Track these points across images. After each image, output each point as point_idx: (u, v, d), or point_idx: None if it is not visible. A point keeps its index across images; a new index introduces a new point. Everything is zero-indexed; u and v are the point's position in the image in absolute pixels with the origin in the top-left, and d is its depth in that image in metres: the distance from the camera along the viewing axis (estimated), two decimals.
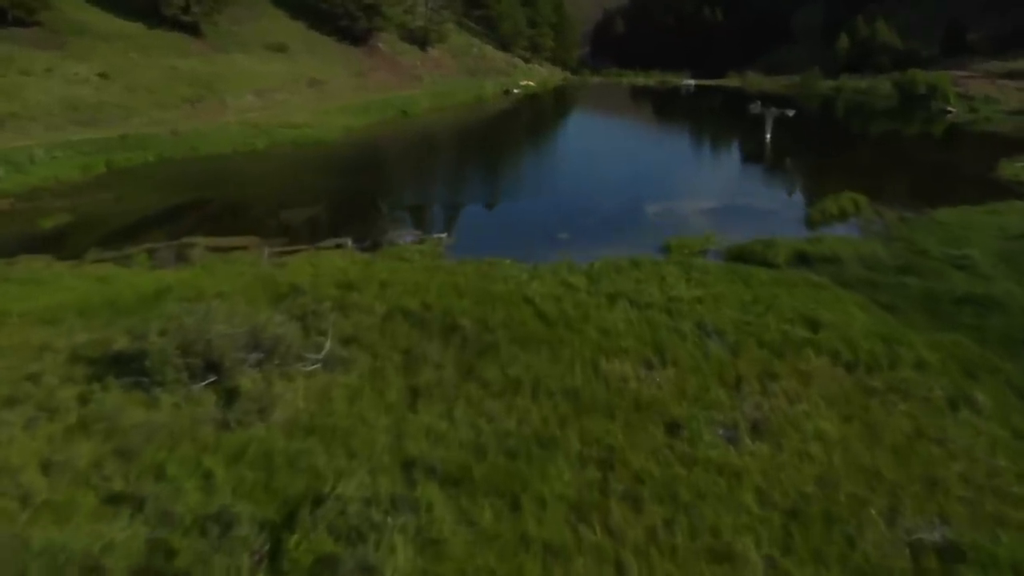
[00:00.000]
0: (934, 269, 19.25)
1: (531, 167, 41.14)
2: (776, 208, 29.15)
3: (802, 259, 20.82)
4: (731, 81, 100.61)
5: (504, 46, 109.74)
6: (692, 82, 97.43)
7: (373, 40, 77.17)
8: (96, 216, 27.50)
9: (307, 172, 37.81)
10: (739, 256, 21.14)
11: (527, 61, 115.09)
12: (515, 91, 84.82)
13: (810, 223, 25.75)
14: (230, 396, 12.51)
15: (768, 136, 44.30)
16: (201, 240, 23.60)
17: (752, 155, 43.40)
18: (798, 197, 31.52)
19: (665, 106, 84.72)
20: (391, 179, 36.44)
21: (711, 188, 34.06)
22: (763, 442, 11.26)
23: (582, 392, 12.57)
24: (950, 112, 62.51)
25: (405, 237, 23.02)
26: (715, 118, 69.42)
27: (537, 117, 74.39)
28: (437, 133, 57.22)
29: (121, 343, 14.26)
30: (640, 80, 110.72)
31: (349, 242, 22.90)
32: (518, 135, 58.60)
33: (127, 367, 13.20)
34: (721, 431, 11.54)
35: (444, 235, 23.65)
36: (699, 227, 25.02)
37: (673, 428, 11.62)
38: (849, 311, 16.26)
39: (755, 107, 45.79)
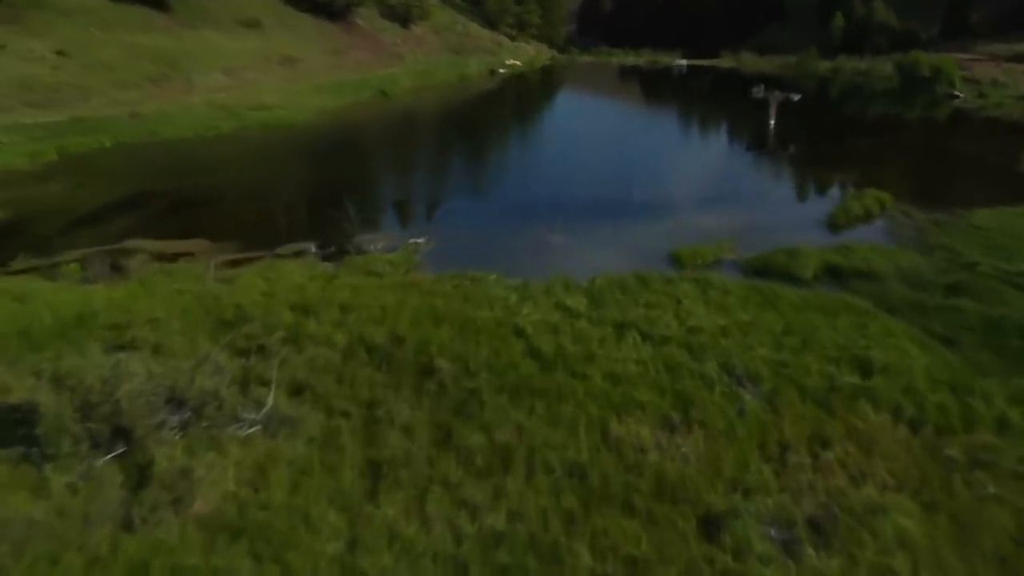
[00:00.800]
0: (989, 289, 16.68)
1: (518, 155, 38.34)
2: (788, 204, 26.65)
3: (833, 273, 18.27)
4: (724, 61, 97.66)
5: (490, 23, 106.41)
6: (684, 62, 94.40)
7: (351, 16, 73.82)
8: (36, 211, 24.64)
9: (273, 159, 34.92)
10: (761, 269, 18.57)
11: (513, 39, 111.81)
12: (500, 71, 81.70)
13: (833, 225, 23.19)
14: (141, 474, 9.84)
15: (772, 122, 41.68)
16: (144, 244, 20.78)
17: (755, 142, 40.79)
18: (810, 190, 28.93)
19: (657, 87, 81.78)
20: (365, 168, 33.55)
21: (714, 179, 31.46)
22: (830, 550, 8.68)
23: (590, 470, 9.95)
24: (957, 97, 60.04)
25: (376, 243, 20.24)
26: (711, 101, 66.66)
27: (524, 98, 71.39)
28: (418, 115, 54.26)
29: (17, 394, 11.54)
30: (630, 60, 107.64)
31: (312, 248, 20.16)
32: (504, 118, 55.70)
33: (14, 432, 10.49)
34: (773, 532, 8.94)
35: (421, 240, 20.90)
36: (705, 226, 22.50)
37: (710, 526, 9.02)
38: (903, 347, 13.66)
39: (758, 91, 43.11)
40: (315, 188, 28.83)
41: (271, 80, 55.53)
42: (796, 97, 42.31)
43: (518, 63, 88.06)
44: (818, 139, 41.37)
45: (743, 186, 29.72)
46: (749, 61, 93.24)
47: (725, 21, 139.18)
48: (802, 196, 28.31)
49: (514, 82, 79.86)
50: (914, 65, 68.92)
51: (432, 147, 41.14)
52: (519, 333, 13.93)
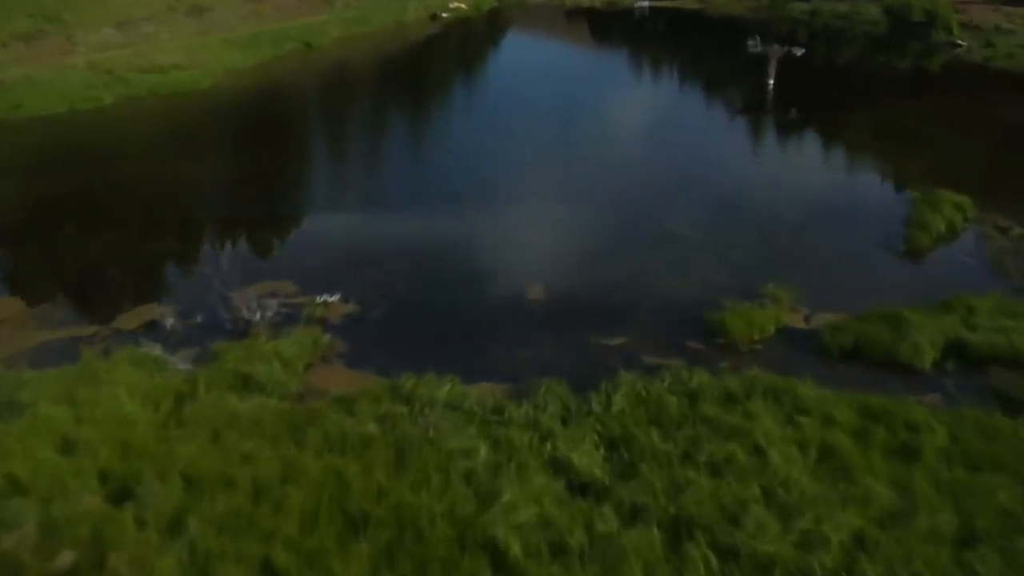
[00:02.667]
0: None
1: (468, 130, 31.27)
2: (828, 207, 20.55)
3: (961, 355, 12.20)
4: (689, 3, 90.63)
5: None
6: (646, 3, 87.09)
7: None
8: None
9: (156, 145, 27.64)
10: (851, 351, 12.51)
11: None
12: (443, 15, 73.76)
13: (912, 248, 17.13)
14: None
15: (771, 82, 35.40)
16: None
17: (750, 105, 34.52)
18: (848, 181, 22.94)
19: (620, 34, 74.58)
20: (269, 159, 25.91)
21: (718, 163, 25.12)
22: None
23: None
24: (960, 46, 54.20)
25: (265, 308, 13.56)
26: (686, 51, 59.99)
27: (471, 49, 63.93)
28: (347, 73, 46.77)
29: None
30: (585, 1, 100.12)
31: (167, 320, 13.45)
32: (449, 74, 48.51)
33: None
34: None
35: (333, 298, 14.30)
36: (727, 249, 16.50)
37: None
38: None
39: (753, 44, 36.64)
40: (197, 196, 22.05)
41: (174, 34, 47.43)
42: (799, 51, 36.04)
43: (462, 6, 79.93)
44: (823, 100, 35.22)
45: (758, 178, 23.43)
46: (717, 2, 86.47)
47: None
48: (841, 191, 22.14)
49: (458, 28, 72.16)
50: (905, 8, 62.85)
51: (363, 121, 34.04)
52: (498, 563, 7.58)
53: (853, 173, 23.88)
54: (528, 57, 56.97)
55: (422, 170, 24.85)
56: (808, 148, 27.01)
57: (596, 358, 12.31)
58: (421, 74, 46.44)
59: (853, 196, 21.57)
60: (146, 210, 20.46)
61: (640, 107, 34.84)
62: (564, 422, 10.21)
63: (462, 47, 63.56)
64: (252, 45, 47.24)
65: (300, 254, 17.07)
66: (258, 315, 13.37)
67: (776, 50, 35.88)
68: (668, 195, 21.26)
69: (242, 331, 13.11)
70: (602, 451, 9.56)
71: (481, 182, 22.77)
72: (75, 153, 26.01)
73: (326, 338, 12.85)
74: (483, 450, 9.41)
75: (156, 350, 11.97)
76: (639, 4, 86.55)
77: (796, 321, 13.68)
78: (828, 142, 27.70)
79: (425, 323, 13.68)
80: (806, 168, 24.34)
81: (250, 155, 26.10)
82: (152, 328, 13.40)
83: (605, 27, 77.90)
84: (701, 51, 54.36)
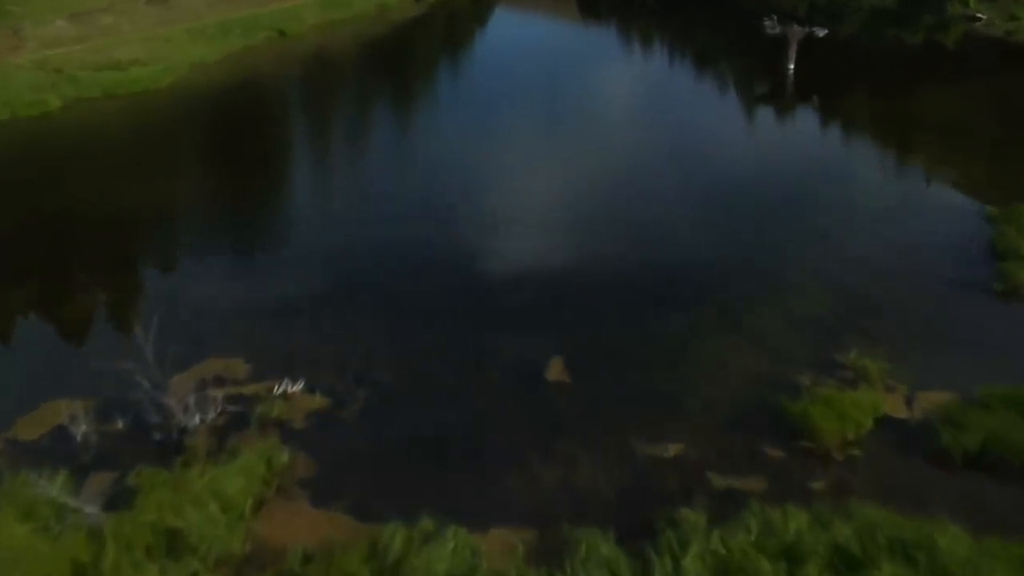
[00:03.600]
0: None
1: (466, 138, 27.72)
2: (881, 216, 17.55)
3: None
4: None
5: None
6: None
7: None
8: None
9: (98, 163, 24.14)
10: (979, 454, 9.48)
11: None
12: None
13: (1009, 285, 14.12)
14: None
15: (791, 67, 32.14)
16: None
17: (769, 91, 31.38)
18: (897, 188, 19.89)
19: (622, 16, 71.14)
20: (237, 175, 22.66)
21: (743, 166, 22.04)
22: None
23: None
24: (978, 19, 50.86)
25: (206, 410, 10.45)
26: (692, 32, 56.62)
27: (460, 34, 60.38)
28: (325, 64, 43.26)
29: None
30: None
31: (80, 430, 10.35)
32: (436, 61, 45.09)
33: None
34: None
35: (295, 387, 11.17)
36: (783, 294, 13.52)
37: None
38: None
39: (771, 25, 33.19)
40: (138, 233, 18.72)
41: (135, 26, 43.87)
42: (821, 32, 32.75)
43: None
44: (846, 85, 32.09)
45: (799, 192, 20.11)
46: None
47: None
48: (901, 207, 18.90)
49: (444, 8, 68.60)
50: None
51: (339, 122, 30.68)
52: None
53: (908, 182, 20.78)
54: (522, 45, 53.38)
55: (408, 190, 21.21)
56: (847, 149, 23.87)
57: (645, 479, 9.28)
58: (405, 63, 43.07)
59: (917, 214, 18.33)
60: (68, 257, 17.05)
61: (650, 103, 31.52)
62: None
63: (449, 30, 59.98)
64: (220, 35, 43.71)
65: (258, 312, 13.72)
66: (196, 418, 10.24)
67: (796, 31, 32.56)
68: (696, 220, 17.99)
69: (175, 443, 10.03)
70: None
71: (477, 205, 19.44)
72: (11, 170, 22.76)
73: (284, 456, 9.70)
74: None
75: (55, 488, 8.79)
76: None
77: (896, 407, 10.63)
78: (866, 140, 24.61)
79: (414, 423, 10.54)
80: (851, 177, 21.09)
81: (210, 172, 22.86)
82: (58, 438, 10.25)
83: (608, 8, 73.94)
84: (708, 31, 50.90)
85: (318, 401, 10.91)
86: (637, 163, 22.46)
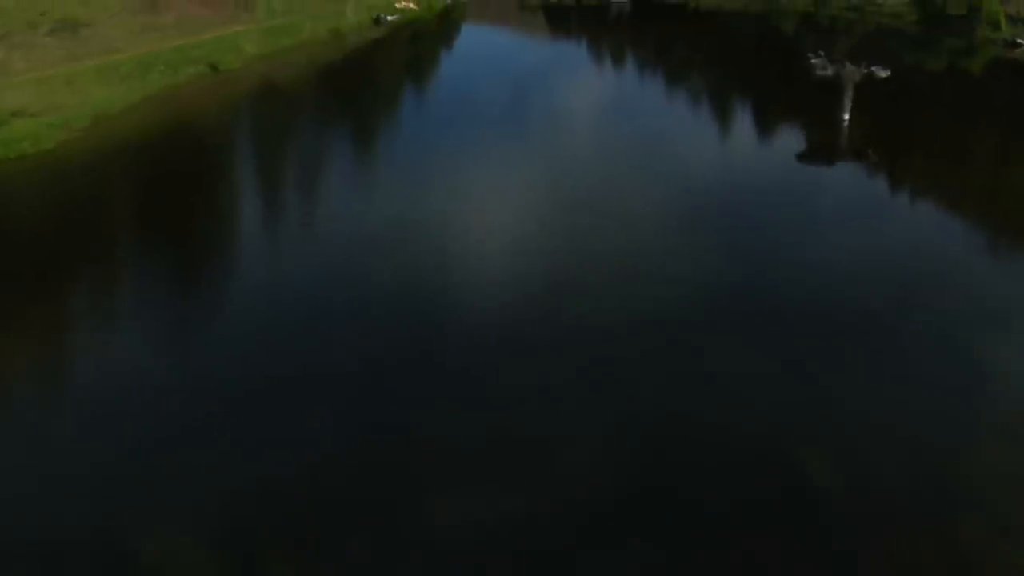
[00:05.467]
0: None
1: (431, 183, 21.67)
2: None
3: None
4: None
5: None
6: None
7: None
8: None
9: None
10: None
11: None
12: (388, 17, 63.43)
13: None
14: None
15: (846, 116, 25.99)
16: None
17: (816, 147, 25.23)
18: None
19: (607, 37, 64.46)
20: (128, 299, 15.92)
21: (803, 252, 15.99)
22: None
23: None
24: (1019, 45, 45.29)
25: None
26: (693, 58, 50.47)
27: (425, 56, 53.80)
28: (265, 107, 36.45)
29: None
30: None
31: None
32: (402, 93, 38.34)
33: None
34: None
35: None
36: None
37: None
38: None
39: (820, 64, 26.55)
40: None
41: (33, 62, 36.79)
42: (883, 72, 26.32)
43: (411, 5, 69.75)
44: (903, 134, 26.16)
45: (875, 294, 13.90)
46: None
47: None
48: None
49: (408, 35, 62.01)
50: None
51: (283, 186, 23.84)
52: None
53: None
54: (496, 68, 46.69)
55: (367, 249, 15.67)
56: (928, 232, 17.76)
57: None
58: (364, 95, 36.49)
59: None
60: None
61: (661, 164, 25.06)
62: None
63: (412, 52, 53.62)
64: (138, 73, 36.72)
65: None
66: None
67: (851, 72, 26.24)
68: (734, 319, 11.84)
69: None
70: None
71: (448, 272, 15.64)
72: None
73: None
74: None
75: None
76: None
77: None
78: (951, 220, 18.56)
79: None
80: (938, 272, 15.02)
81: (75, 293, 15.90)
82: None
83: (591, 31, 67.28)
84: (730, 62, 44.68)
85: None
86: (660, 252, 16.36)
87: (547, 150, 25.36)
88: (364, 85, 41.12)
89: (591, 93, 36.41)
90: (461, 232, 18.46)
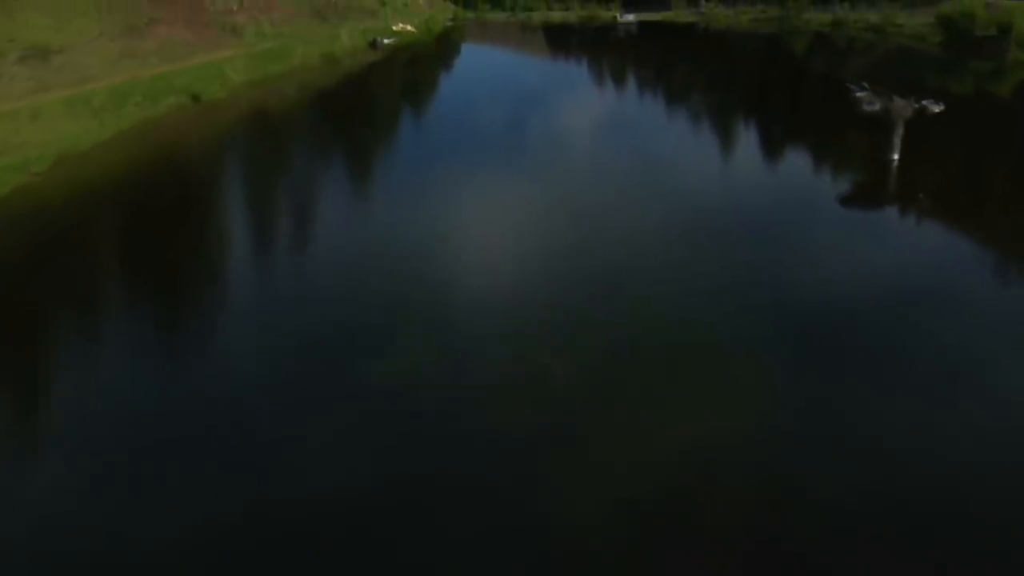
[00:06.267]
0: None
1: (431, 222, 18.61)
2: None
3: None
4: (677, 13, 78.69)
5: None
6: (632, 17, 74.82)
7: None
8: None
9: None
10: None
11: None
12: (384, 41, 60.93)
13: None
14: None
15: (896, 156, 23.21)
16: None
17: (866, 194, 22.37)
18: None
19: (611, 58, 61.89)
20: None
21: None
22: None
23: None
24: None
25: None
26: (712, 85, 47.77)
27: (423, 80, 51.11)
28: (242, 147, 33.59)
29: None
30: (556, 16, 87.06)
31: None
32: (400, 119, 35.60)
33: None
34: None
35: None
36: None
37: None
38: None
39: (867, 98, 23.72)
40: None
41: None
42: (937, 107, 23.61)
43: (409, 27, 67.36)
44: (952, 173, 23.48)
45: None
46: (718, 15, 74.49)
47: None
48: None
49: (404, 53, 59.42)
50: (967, 19, 51.64)
51: (270, 233, 20.79)
52: None
53: None
54: (500, 90, 43.90)
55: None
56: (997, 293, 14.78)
57: None
58: (359, 124, 33.77)
59: None
60: None
61: (704, 193, 22.20)
62: None
63: (410, 76, 51.06)
64: (112, 105, 33.97)
65: None
66: None
67: (901, 106, 23.41)
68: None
69: None
70: None
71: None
72: None
73: None
74: None
75: None
76: (624, 19, 74.47)
77: None
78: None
79: None
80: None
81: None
82: None
83: (600, 54, 64.62)
84: (754, 90, 41.98)
85: None
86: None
87: (568, 202, 22.46)
88: (359, 112, 38.42)
89: (602, 123, 33.67)
90: (466, 278, 15.73)
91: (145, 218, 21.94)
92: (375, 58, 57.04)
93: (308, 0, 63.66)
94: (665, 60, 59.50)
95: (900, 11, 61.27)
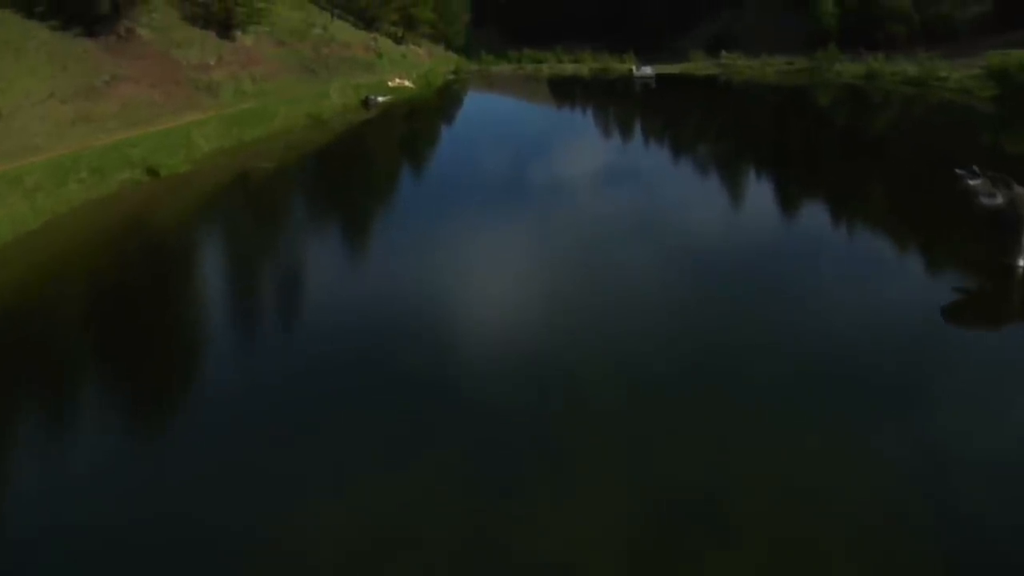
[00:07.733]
0: None
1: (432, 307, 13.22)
2: None
3: None
4: (697, 65, 74.12)
5: (366, 22, 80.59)
6: (650, 70, 70.26)
7: (128, 21, 46.90)
8: None
9: None
10: None
11: (398, 41, 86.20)
12: (380, 99, 56.07)
13: None
14: None
15: (1022, 262, 18.13)
16: None
17: (978, 307, 17.32)
18: None
19: (627, 110, 57.01)
20: None
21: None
22: None
23: None
24: None
25: None
26: (760, 155, 42.91)
27: (422, 137, 46.24)
28: (199, 240, 28.51)
29: None
30: (567, 67, 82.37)
31: None
32: (396, 185, 30.69)
33: None
34: None
35: None
36: None
37: None
38: None
39: (983, 187, 18.84)
40: None
41: None
42: None
43: (407, 83, 62.61)
44: None
45: None
46: (740, 66, 69.78)
47: (662, 6, 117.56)
48: None
49: (401, 108, 54.65)
50: (1019, 69, 47.19)
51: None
52: None
53: None
54: (504, 163, 38.89)
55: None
56: None
57: None
58: (349, 198, 28.80)
59: None
60: None
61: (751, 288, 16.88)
62: None
63: (408, 134, 46.36)
64: (50, 183, 28.91)
65: None
66: None
67: None
68: None
69: None
70: None
71: None
72: None
73: None
74: None
75: None
76: (640, 71, 69.85)
77: None
78: None
79: None
80: None
81: None
82: None
83: (621, 110, 59.55)
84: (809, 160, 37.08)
85: None
86: None
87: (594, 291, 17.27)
88: (345, 183, 33.44)
89: (636, 197, 28.70)
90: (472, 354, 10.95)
91: (59, 343, 16.43)
92: (368, 116, 52.32)
93: (295, 53, 58.97)
94: (696, 116, 54.79)
95: (943, 60, 56.57)
